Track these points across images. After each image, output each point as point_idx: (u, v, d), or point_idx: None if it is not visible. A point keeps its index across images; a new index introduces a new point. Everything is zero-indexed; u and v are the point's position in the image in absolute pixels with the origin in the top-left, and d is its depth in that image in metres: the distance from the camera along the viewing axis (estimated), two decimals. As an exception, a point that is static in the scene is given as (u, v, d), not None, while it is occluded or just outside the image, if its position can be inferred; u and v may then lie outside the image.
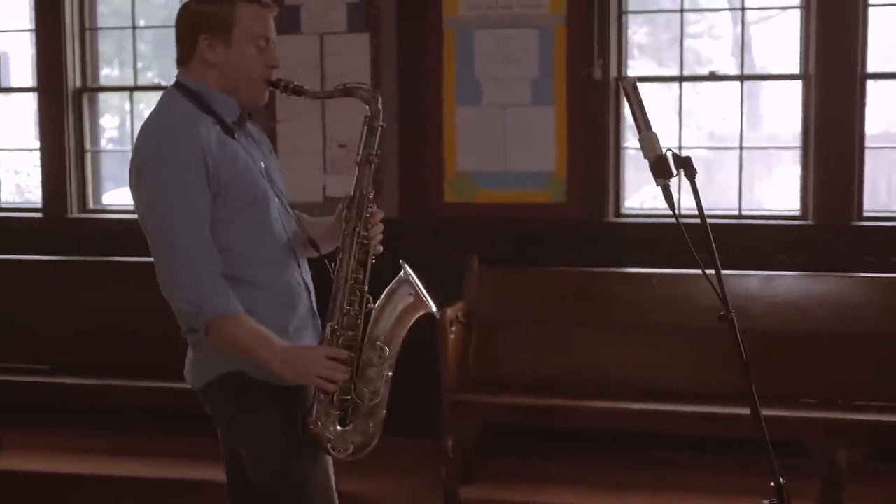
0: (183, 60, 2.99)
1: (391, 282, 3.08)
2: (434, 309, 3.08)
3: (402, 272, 3.05)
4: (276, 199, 3.03)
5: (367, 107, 3.02)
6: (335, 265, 2.99)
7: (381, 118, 3.03)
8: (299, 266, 3.08)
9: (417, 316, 3.06)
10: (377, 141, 3.02)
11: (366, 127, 3.02)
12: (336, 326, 2.93)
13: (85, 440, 5.93)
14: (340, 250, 2.98)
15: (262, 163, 3.03)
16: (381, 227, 3.05)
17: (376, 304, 3.01)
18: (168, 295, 2.86)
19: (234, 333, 2.85)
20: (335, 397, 2.91)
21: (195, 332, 2.87)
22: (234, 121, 2.98)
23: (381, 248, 3.04)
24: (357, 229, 2.97)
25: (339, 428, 2.93)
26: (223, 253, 2.88)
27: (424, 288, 3.07)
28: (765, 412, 2.75)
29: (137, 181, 2.88)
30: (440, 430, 5.31)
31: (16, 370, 5.97)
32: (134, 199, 2.94)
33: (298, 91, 3.00)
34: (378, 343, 2.97)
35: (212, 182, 2.84)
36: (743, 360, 2.71)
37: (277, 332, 2.92)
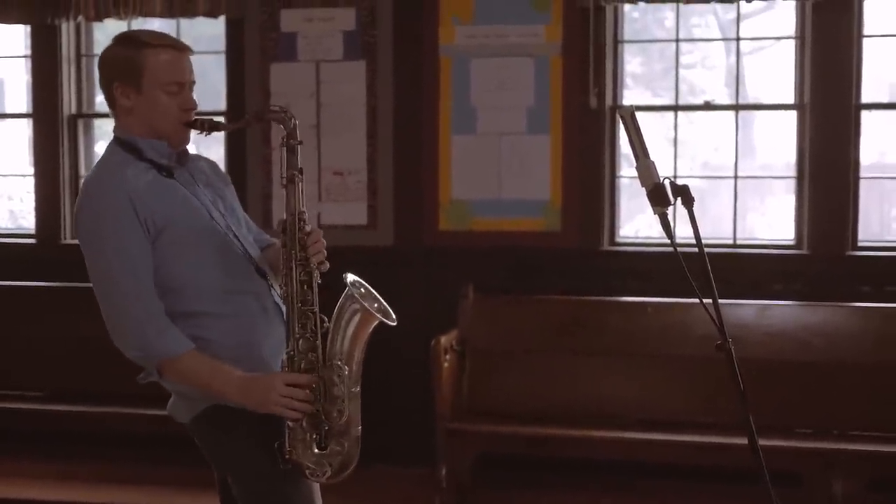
0: (110, 108, 3.01)
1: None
2: (387, 319, 2.99)
3: (347, 288, 2.96)
4: (226, 230, 3.02)
5: (282, 127, 2.97)
6: (281, 291, 2.97)
7: (297, 136, 2.96)
8: (271, 290, 3.07)
9: (372, 327, 2.97)
10: (298, 159, 2.96)
11: (284, 147, 2.96)
12: (292, 352, 2.91)
13: (79, 467, 5.88)
14: (283, 276, 2.94)
15: (207, 198, 3.04)
16: (321, 244, 2.96)
17: (330, 324, 2.96)
18: (117, 343, 2.91)
19: (186, 370, 2.88)
20: (304, 422, 2.88)
21: (150, 376, 2.92)
22: (171, 161, 2.99)
23: (326, 266, 2.97)
24: (293, 252, 2.92)
25: (316, 451, 2.91)
26: (175, 291, 2.91)
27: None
28: (760, 442, 2.73)
29: (78, 238, 2.94)
30: (434, 458, 5.29)
31: (9, 397, 5.96)
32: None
33: (214, 127, 3.00)
34: (335, 362, 2.93)
35: (147, 226, 2.87)
36: (740, 391, 2.70)
37: (246, 359, 2.93)
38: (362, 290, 3.00)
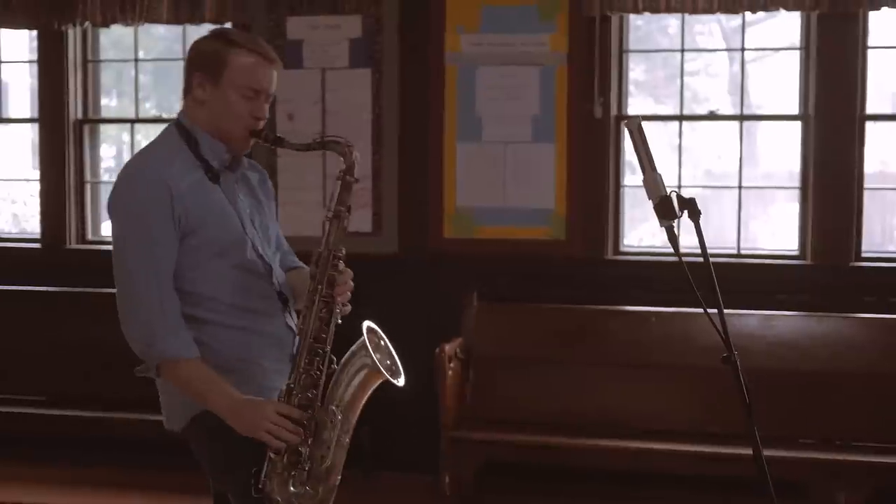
0: (183, 94, 3.02)
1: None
2: (396, 379, 2.94)
3: (363, 337, 2.91)
4: (255, 247, 2.99)
5: (342, 160, 2.94)
6: (298, 322, 2.94)
7: (354, 172, 2.94)
8: (284, 312, 3.05)
9: (377, 383, 2.93)
10: (350, 197, 2.96)
11: (339, 182, 2.95)
12: (292, 385, 2.86)
13: (81, 472, 5.90)
14: (304, 308, 2.91)
15: (245, 210, 3.01)
16: (349, 285, 2.95)
17: (338, 367, 2.92)
18: (124, 331, 2.89)
19: (186, 376, 2.86)
20: (286, 457, 2.83)
21: (148, 371, 2.90)
22: (223, 165, 2.98)
23: (348, 308, 2.96)
24: (320, 288, 2.90)
25: (290, 489, 2.84)
26: (189, 294, 2.89)
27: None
28: (764, 453, 2.74)
29: (109, 218, 2.94)
30: (438, 466, 5.29)
31: (12, 401, 5.97)
32: None
33: (278, 141, 2.98)
34: (332, 407, 2.88)
35: (179, 224, 2.86)
36: (746, 404, 2.70)
37: (243, 375, 2.92)
38: (380, 342, 2.96)
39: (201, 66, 2.94)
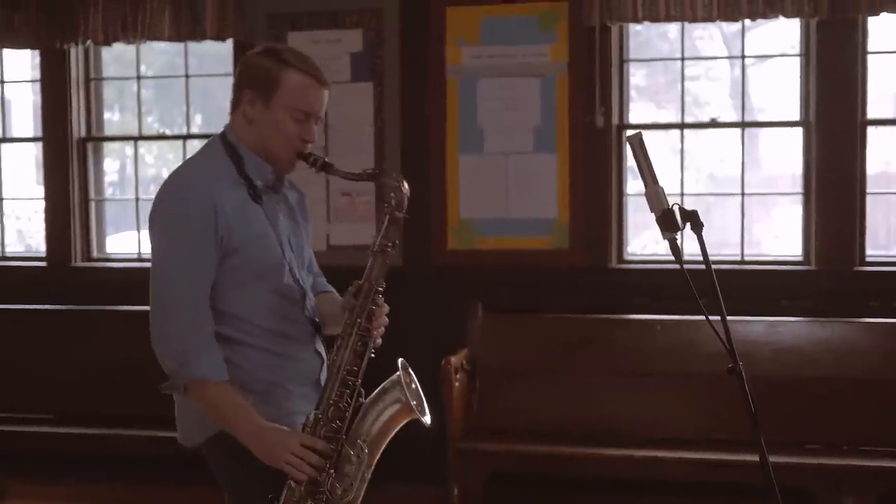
0: (231, 109, 2.99)
1: (390, 372, 2.96)
2: (424, 417, 2.93)
3: (397, 374, 2.91)
4: (291, 271, 2.98)
5: (392, 195, 2.91)
6: (332, 352, 2.90)
7: (404, 209, 2.91)
8: (315, 337, 3.04)
9: (405, 421, 2.92)
10: (397, 232, 2.93)
11: (387, 217, 2.92)
12: (320, 416, 2.83)
13: (89, 490, 5.91)
14: (339, 338, 2.89)
15: (284, 233, 2.99)
16: (384, 320, 2.94)
17: (366, 401, 2.90)
18: (155, 347, 2.86)
19: (213, 399, 2.83)
20: (304, 487, 2.79)
21: (174, 389, 2.88)
22: (266, 185, 2.95)
23: (380, 341, 2.94)
24: (359, 321, 2.88)
25: None
26: (223, 314, 2.87)
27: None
28: (770, 458, 2.75)
29: (150, 227, 2.90)
30: (446, 478, 5.30)
31: (20, 420, 5.98)
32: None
33: (325, 167, 2.93)
34: (359, 441, 2.85)
35: (222, 242, 2.83)
36: (752, 413, 2.71)
37: (269, 398, 2.90)
38: (412, 384, 2.95)
39: (252, 83, 2.91)
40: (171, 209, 2.85)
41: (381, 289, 2.92)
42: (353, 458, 2.84)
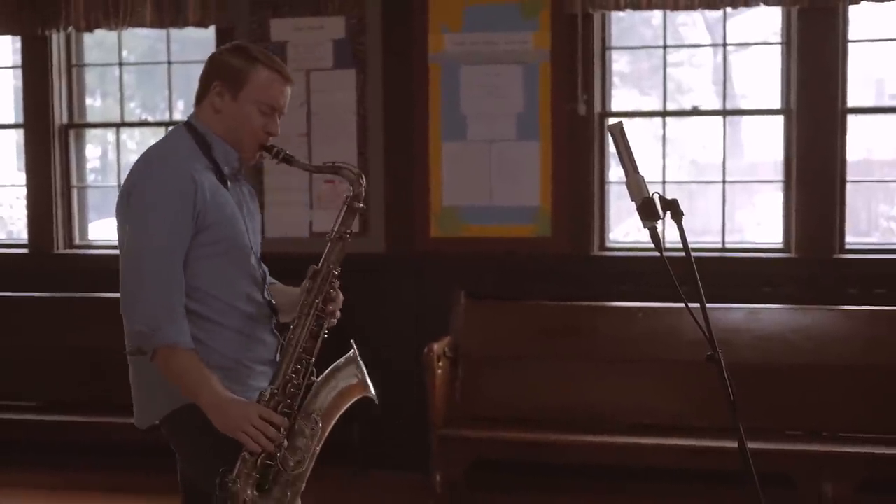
0: (197, 101, 3.11)
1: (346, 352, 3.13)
2: (373, 395, 3.12)
3: (352, 351, 3.10)
4: (253, 254, 3.11)
5: (351, 187, 3.11)
6: (289, 331, 3.03)
7: (362, 200, 3.11)
8: (272, 319, 3.15)
9: (355, 398, 3.10)
10: (354, 221, 3.11)
11: (346, 206, 3.11)
12: (276, 391, 2.95)
13: (74, 477, 5.91)
14: (297, 318, 3.03)
15: (247, 219, 3.12)
16: (339, 304, 3.10)
17: (319, 378, 3.04)
18: (126, 313, 2.93)
19: (180, 365, 2.89)
20: (259, 460, 2.89)
21: (142, 354, 2.93)
22: (231, 172, 3.09)
23: (334, 322, 3.09)
24: (317, 302, 3.03)
25: (255, 493, 2.90)
26: (193, 289, 2.96)
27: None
28: (751, 445, 2.78)
29: (126, 202, 2.97)
30: (428, 464, 5.31)
31: (3, 408, 5.98)
32: (118, 223, 3.02)
33: (288, 159, 3.10)
34: (313, 416, 2.99)
35: (197, 218, 2.93)
36: (730, 401, 2.74)
37: (234, 375, 2.98)
38: (362, 365, 3.11)
39: (222, 76, 3.05)
40: (154, 181, 2.93)
41: (337, 272, 3.07)
42: (306, 431, 2.98)
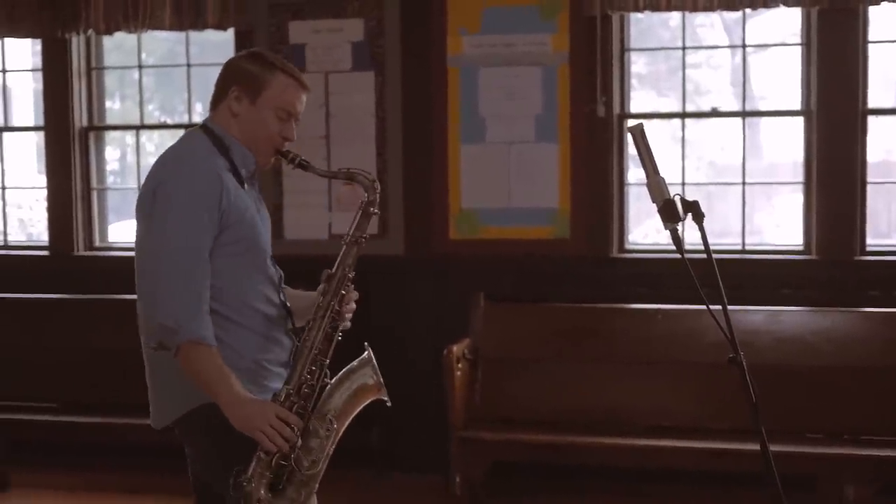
0: (213, 106, 3.14)
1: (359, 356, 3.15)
2: (387, 397, 3.16)
3: (366, 353, 3.14)
4: (271, 256, 3.15)
5: (366, 194, 3.14)
6: (304, 333, 3.07)
7: (376, 206, 3.15)
8: (287, 321, 3.16)
9: (369, 400, 3.13)
10: (368, 226, 3.15)
11: (361, 211, 3.14)
12: (291, 391, 2.97)
13: (92, 478, 5.94)
14: (312, 320, 3.06)
15: (263, 222, 3.15)
16: (353, 307, 3.13)
17: (333, 380, 3.07)
18: (150, 307, 2.93)
19: (201, 362, 2.89)
20: (274, 459, 2.91)
21: (165, 350, 2.92)
22: (248, 175, 3.11)
23: (348, 324, 3.12)
24: (332, 304, 3.06)
25: (268, 494, 2.91)
26: (218, 290, 2.97)
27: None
28: (771, 447, 2.76)
29: (151, 200, 2.96)
30: (448, 466, 5.31)
31: (23, 409, 6.00)
32: (139, 223, 3.02)
33: (304, 165, 3.14)
34: (328, 417, 3.02)
35: (221, 217, 2.95)
36: (753, 403, 2.72)
37: (252, 376, 2.99)
38: (376, 367, 3.14)
39: (240, 81, 3.07)
40: (182, 178, 2.95)
41: (351, 276, 3.11)
42: (321, 432, 3.00)
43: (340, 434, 3.05)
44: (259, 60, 3.09)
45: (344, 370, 3.10)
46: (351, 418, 3.09)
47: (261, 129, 3.06)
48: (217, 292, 2.97)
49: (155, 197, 2.95)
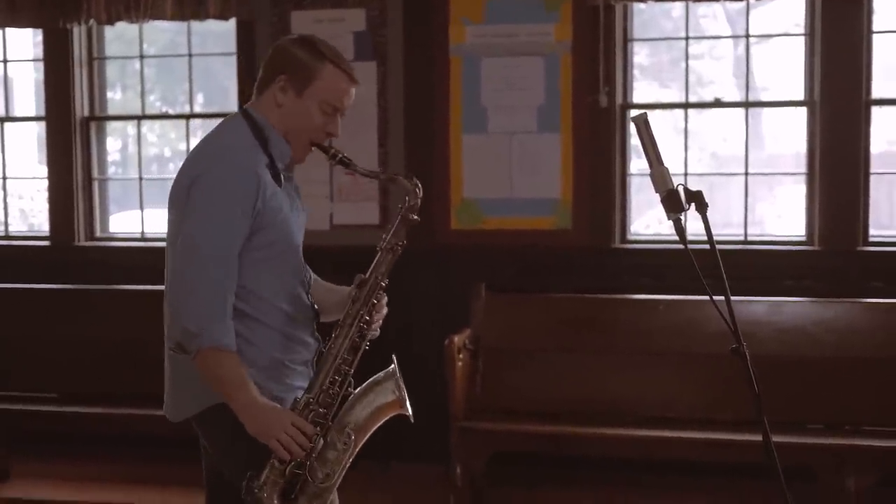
0: (258, 91, 3.03)
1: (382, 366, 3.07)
2: (410, 413, 3.05)
3: (392, 367, 3.04)
4: (302, 255, 3.06)
5: (407, 198, 3.03)
6: (329, 339, 2.98)
7: (417, 212, 3.04)
8: (314, 322, 3.09)
9: (391, 415, 3.03)
10: (405, 232, 3.04)
11: (400, 217, 3.03)
12: (311, 399, 2.90)
13: (92, 468, 5.94)
14: (339, 327, 2.97)
15: (296, 219, 3.04)
16: (383, 315, 3.05)
17: (357, 391, 2.99)
18: (174, 308, 2.87)
19: (220, 366, 2.83)
20: (288, 468, 2.86)
21: (184, 352, 2.87)
22: (284, 168, 3.00)
23: (377, 333, 3.05)
24: (361, 313, 2.97)
25: (280, 502, 2.87)
26: (244, 290, 2.90)
27: (406, 382, 3.05)
28: (773, 438, 2.75)
29: (186, 193, 2.87)
30: (449, 457, 5.31)
31: (23, 399, 6.00)
32: (172, 213, 2.93)
33: (345, 162, 3.05)
34: (347, 429, 2.93)
35: (255, 218, 2.86)
36: (755, 394, 2.72)
37: (273, 376, 2.94)
38: (401, 381, 3.04)
39: (288, 69, 2.95)
40: (218, 176, 2.85)
41: (384, 284, 3.01)
42: (338, 444, 2.92)
43: (358, 449, 2.96)
44: (309, 47, 2.96)
45: (368, 382, 3.01)
46: (371, 432, 2.99)
47: (304, 121, 2.95)
48: (242, 291, 2.90)
49: (189, 194, 2.86)
